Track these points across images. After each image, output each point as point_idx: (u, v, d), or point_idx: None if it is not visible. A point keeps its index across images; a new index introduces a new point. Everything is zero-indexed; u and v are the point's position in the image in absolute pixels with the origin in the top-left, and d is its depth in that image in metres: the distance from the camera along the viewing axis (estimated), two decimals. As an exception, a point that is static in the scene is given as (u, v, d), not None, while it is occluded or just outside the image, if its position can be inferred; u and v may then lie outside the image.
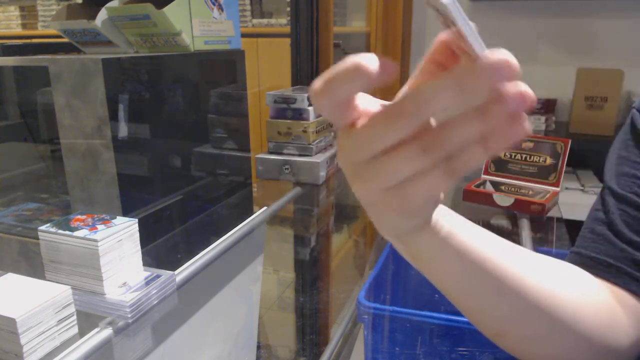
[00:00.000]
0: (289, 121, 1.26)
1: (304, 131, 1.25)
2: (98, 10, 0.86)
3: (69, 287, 0.58)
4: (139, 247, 0.67)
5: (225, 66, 1.06)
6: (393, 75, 0.25)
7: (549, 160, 1.04)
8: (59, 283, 0.59)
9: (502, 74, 0.23)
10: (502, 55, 0.23)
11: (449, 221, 0.34)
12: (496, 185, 1.07)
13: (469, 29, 0.24)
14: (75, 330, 0.58)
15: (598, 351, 0.40)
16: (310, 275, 1.01)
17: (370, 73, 0.24)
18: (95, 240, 0.60)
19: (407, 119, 0.25)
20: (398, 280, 0.87)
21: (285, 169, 1.26)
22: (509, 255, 0.37)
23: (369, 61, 0.24)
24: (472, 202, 1.03)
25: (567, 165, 1.03)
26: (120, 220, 0.65)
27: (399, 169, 0.27)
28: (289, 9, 2.02)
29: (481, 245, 0.35)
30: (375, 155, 0.27)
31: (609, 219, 0.46)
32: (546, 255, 0.41)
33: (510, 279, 0.36)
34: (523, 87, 0.25)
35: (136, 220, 0.66)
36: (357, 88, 0.25)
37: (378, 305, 0.68)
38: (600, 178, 2.13)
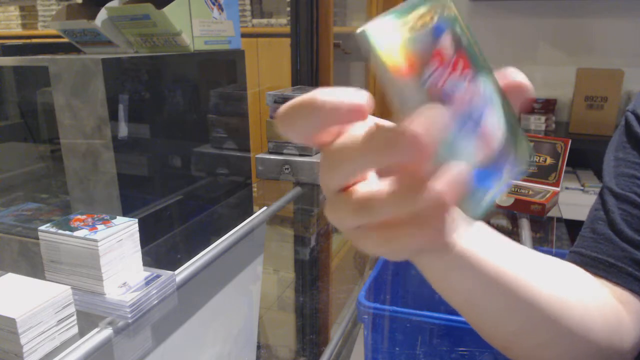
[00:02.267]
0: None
1: (304, 131, 1.25)
2: (98, 10, 0.86)
3: (69, 287, 0.58)
4: (139, 247, 0.67)
5: (225, 66, 1.06)
6: (366, 113, 0.22)
7: (549, 160, 1.04)
8: (59, 283, 0.59)
9: (415, 151, 0.20)
10: (425, 123, 0.20)
11: (465, 235, 0.31)
12: (496, 185, 1.06)
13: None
14: (75, 330, 0.58)
15: (605, 354, 0.40)
16: (310, 275, 1.01)
17: (328, 110, 0.22)
18: (95, 240, 0.60)
19: (334, 173, 0.23)
20: (398, 280, 0.87)
21: (285, 169, 1.25)
22: (522, 266, 0.36)
23: (329, 97, 0.21)
24: (472, 202, 1.03)
25: (567, 165, 1.03)
26: (120, 220, 0.65)
27: (345, 216, 0.24)
28: (289, 9, 2.02)
29: (497, 259, 0.33)
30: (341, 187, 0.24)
31: (609, 219, 0.46)
32: (546, 255, 0.40)
33: (523, 292, 0.35)
34: (457, 172, 0.21)
35: (136, 220, 0.66)
36: (313, 125, 0.22)
37: (378, 305, 0.68)
38: (600, 178, 2.14)
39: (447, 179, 0.21)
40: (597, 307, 0.40)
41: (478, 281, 0.33)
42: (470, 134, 0.23)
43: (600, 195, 0.49)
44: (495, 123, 0.24)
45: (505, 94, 0.24)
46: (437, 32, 0.23)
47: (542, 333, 0.37)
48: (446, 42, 0.23)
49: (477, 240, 0.33)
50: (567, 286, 0.39)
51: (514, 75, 0.24)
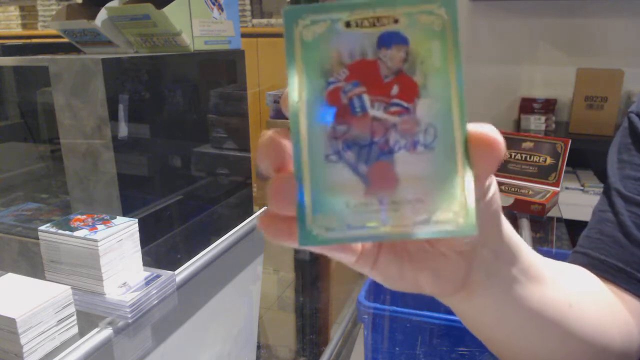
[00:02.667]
0: (289, 121, 1.26)
1: (304, 131, 1.25)
2: (98, 10, 0.86)
3: (69, 287, 0.58)
4: (139, 247, 0.67)
5: (225, 66, 1.06)
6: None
7: (549, 160, 1.04)
8: (59, 283, 0.59)
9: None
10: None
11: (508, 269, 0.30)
12: (496, 185, 1.06)
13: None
14: (75, 330, 0.58)
15: (613, 357, 0.39)
16: (310, 275, 1.01)
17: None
18: (95, 240, 0.60)
19: None
20: (398, 280, 0.87)
21: (285, 169, 1.25)
22: (558, 291, 0.34)
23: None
24: (472, 202, 1.03)
25: (567, 165, 1.02)
26: (120, 220, 0.65)
27: None
28: (289, 9, 2.02)
29: (543, 292, 0.32)
30: None
31: (619, 220, 0.46)
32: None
33: (553, 318, 0.33)
34: (278, 178, 0.22)
35: (136, 220, 0.66)
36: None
37: (378, 305, 0.68)
38: (600, 178, 2.14)
39: (272, 181, 0.21)
40: (617, 323, 0.40)
41: (521, 321, 0.32)
42: (355, 162, 0.20)
43: (607, 196, 0.48)
44: (410, 169, 0.20)
45: (469, 146, 0.20)
46: (383, 41, 0.19)
47: (564, 351, 0.36)
48: (391, 57, 0.19)
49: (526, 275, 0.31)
50: (592, 302, 0.39)
51: (487, 130, 0.21)
